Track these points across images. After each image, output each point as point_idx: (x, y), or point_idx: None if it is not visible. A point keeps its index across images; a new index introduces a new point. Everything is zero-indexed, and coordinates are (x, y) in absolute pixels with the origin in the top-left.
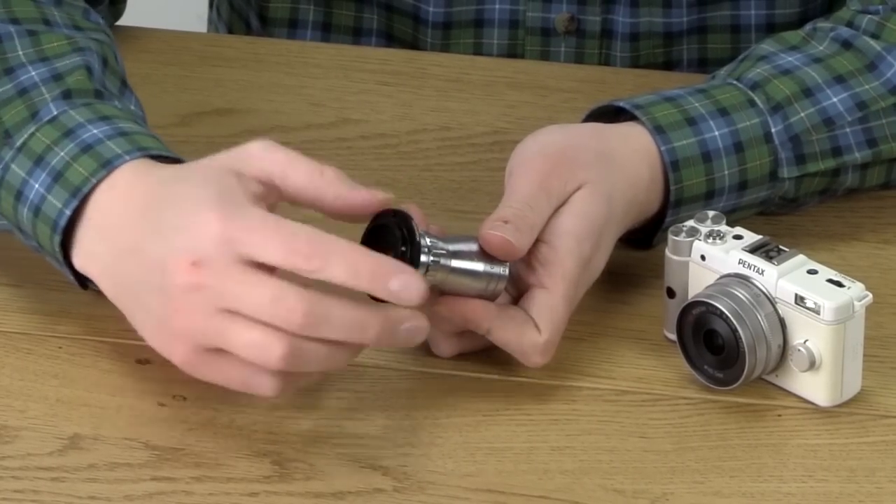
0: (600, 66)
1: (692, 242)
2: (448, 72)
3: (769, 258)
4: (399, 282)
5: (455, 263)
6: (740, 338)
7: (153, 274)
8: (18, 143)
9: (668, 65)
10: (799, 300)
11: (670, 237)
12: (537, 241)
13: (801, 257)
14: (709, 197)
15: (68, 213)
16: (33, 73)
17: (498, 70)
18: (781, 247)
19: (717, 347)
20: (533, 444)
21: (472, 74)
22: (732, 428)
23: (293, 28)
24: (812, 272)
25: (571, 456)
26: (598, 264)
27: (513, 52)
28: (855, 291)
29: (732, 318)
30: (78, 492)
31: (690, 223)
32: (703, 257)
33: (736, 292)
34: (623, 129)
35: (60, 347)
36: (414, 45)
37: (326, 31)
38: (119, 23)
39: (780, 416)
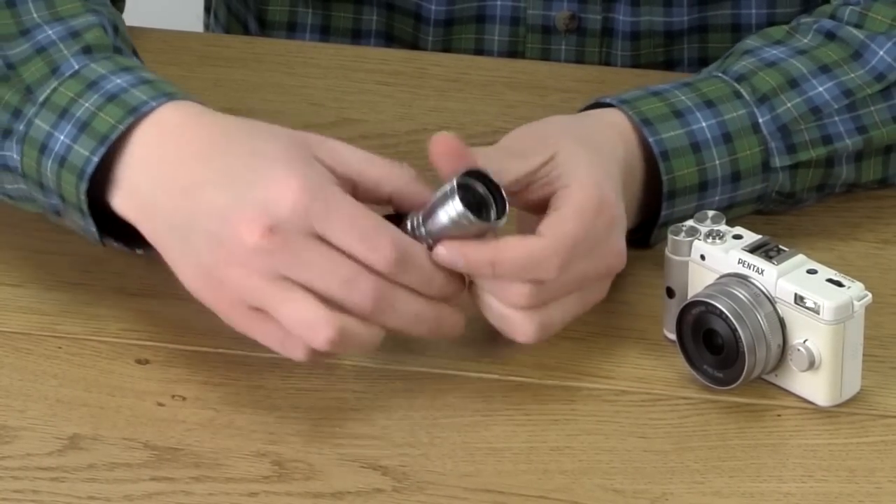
0: (600, 65)
1: (692, 242)
2: (447, 72)
3: (769, 258)
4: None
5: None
6: (740, 337)
7: (212, 220)
8: (41, 99)
9: (669, 64)
10: (798, 300)
11: (670, 237)
12: (537, 198)
13: (800, 257)
14: (702, 188)
15: (96, 160)
16: (50, 32)
17: (497, 70)
18: (781, 246)
19: (716, 347)
20: (532, 444)
21: (471, 74)
22: (732, 428)
23: (292, 31)
24: (811, 272)
25: (571, 456)
26: (619, 211)
27: (514, 50)
28: (854, 291)
29: (732, 318)
30: (77, 492)
31: (690, 223)
32: (702, 257)
33: (735, 292)
34: (597, 112)
35: (60, 347)
36: (414, 44)
37: (325, 33)
38: None
39: (779, 416)
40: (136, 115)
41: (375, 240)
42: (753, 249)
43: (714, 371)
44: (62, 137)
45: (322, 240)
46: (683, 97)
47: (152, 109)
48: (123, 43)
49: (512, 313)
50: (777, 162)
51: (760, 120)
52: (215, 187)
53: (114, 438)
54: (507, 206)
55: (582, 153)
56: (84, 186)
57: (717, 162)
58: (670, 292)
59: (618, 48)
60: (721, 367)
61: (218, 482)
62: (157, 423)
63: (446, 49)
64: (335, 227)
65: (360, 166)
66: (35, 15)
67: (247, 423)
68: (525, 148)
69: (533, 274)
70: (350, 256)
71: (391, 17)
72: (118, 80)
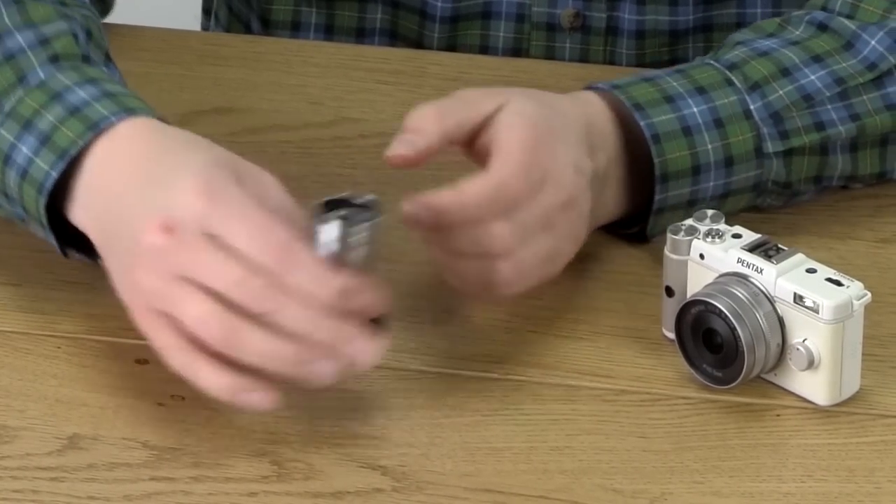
0: (605, 64)
1: (691, 241)
2: (448, 71)
3: (768, 257)
4: (363, 299)
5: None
6: (739, 337)
7: (127, 224)
8: (7, 108)
9: (674, 63)
10: (798, 299)
11: (669, 236)
12: (483, 141)
13: (799, 256)
14: (695, 172)
15: (55, 175)
16: (20, 39)
17: (498, 69)
18: (780, 246)
19: (715, 346)
20: (532, 444)
21: (471, 73)
22: (731, 428)
23: (296, 30)
24: (811, 271)
25: (570, 456)
26: (563, 146)
27: (518, 48)
28: (854, 290)
29: (731, 317)
30: (77, 492)
31: (689, 222)
32: (701, 256)
33: (735, 291)
34: (572, 93)
35: (59, 347)
36: (419, 41)
37: (329, 32)
38: (118, 21)
39: (779, 415)
40: (96, 130)
41: (262, 238)
42: (753, 248)
43: (713, 370)
44: (24, 149)
45: (219, 240)
46: (675, 83)
47: (112, 125)
48: (96, 48)
49: (491, 263)
50: (770, 147)
51: (752, 106)
52: (135, 193)
53: (113, 438)
54: (373, 202)
55: (531, 103)
56: (43, 201)
57: (710, 146)
58: (669, 291)
59: (622, 47)
60: (720, 367)
61: (217, 482)
62: (157, 423)
63: (451, 46)
64: (229, 228)
65: (274, 207)
66: (7, 20)
67: (246, 423)
68: (477, 97)
69: (503, 202)
70: (243, 257)
71: (396, 15)
72: (82, 93)
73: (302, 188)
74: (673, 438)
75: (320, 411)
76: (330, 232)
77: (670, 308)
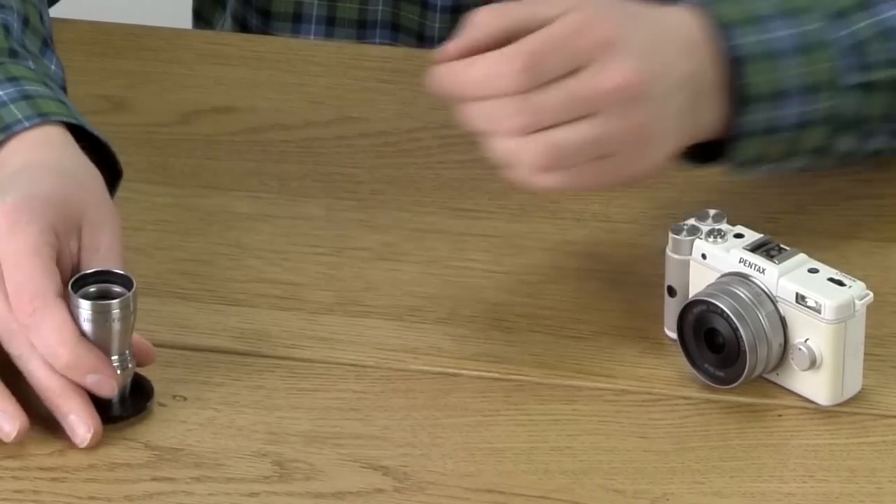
0: None
1: (693, 241)
2: None
3: (770, 257)
4: (93, 378)
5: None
6: (741, 336)
7: None
8: None
9: None
10: (800, 299)
11: (671, 235)
12: None
13: (801, 256)
14: (776, 98)
15: None
16: None
17: None
18: (782, 245)
19: (717, 346)
20: (533, 444)
21: None
22: (733, 428)
23: (297, 22)
24: (813, 271)
25: (571, 456)
26: (618, 36)
27: None
28: (856, 290)
29: (733, 317)
30: (78, 492)
31: (691, 221)
32: (703, 256)
33: (737, 291)
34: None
35: None
36: (420, 33)
37: (331, 24)
38: (118, 21)
39: (780, 415)
40: (8, 133)
41: (22, 286)
42: (755, 248)
43: (715, 370)
44: None
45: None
46: (763, 3)
47: (24, 129)
48: (32, 36)
49: (515, 142)
50: (848, 79)
51: (834, 36)
52: None
53: (114, 438)
54: (126, 278)
55: (602, 3)
56: None
57: (793, 72)
58: (671, 291)
59: None
60: (722, 366)
61: (218, 482)
62: (158, 423)
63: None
64: (5, 265)
65: (100, 259)
66: None
67: (247, 424)
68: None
69: (499, 82)
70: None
71: (397, 6)
72: (0, 92)
73: (303, 188)
74: (674, 438)
75: (321, 411)
76: (85, 309)
77: (672, 308)
